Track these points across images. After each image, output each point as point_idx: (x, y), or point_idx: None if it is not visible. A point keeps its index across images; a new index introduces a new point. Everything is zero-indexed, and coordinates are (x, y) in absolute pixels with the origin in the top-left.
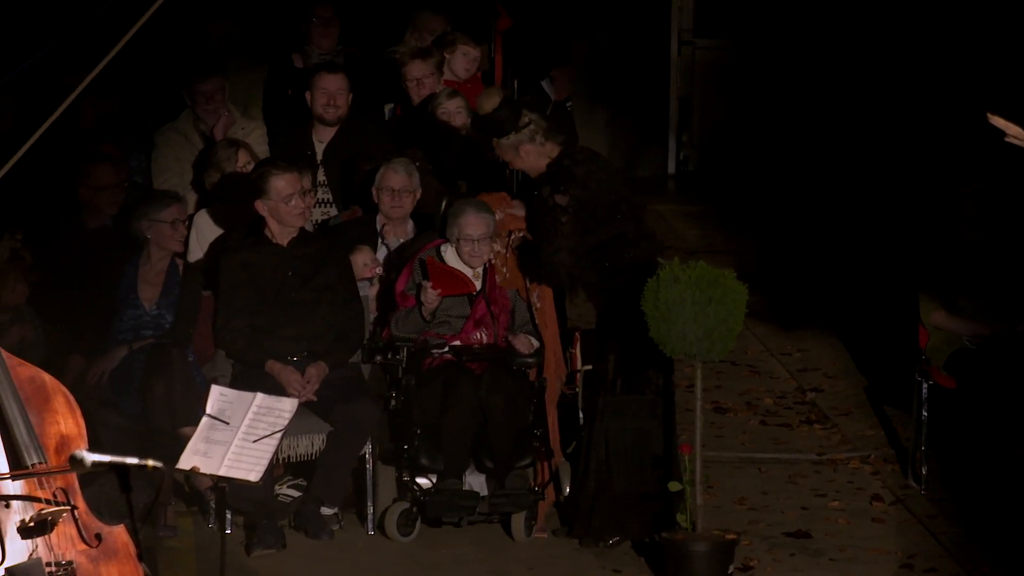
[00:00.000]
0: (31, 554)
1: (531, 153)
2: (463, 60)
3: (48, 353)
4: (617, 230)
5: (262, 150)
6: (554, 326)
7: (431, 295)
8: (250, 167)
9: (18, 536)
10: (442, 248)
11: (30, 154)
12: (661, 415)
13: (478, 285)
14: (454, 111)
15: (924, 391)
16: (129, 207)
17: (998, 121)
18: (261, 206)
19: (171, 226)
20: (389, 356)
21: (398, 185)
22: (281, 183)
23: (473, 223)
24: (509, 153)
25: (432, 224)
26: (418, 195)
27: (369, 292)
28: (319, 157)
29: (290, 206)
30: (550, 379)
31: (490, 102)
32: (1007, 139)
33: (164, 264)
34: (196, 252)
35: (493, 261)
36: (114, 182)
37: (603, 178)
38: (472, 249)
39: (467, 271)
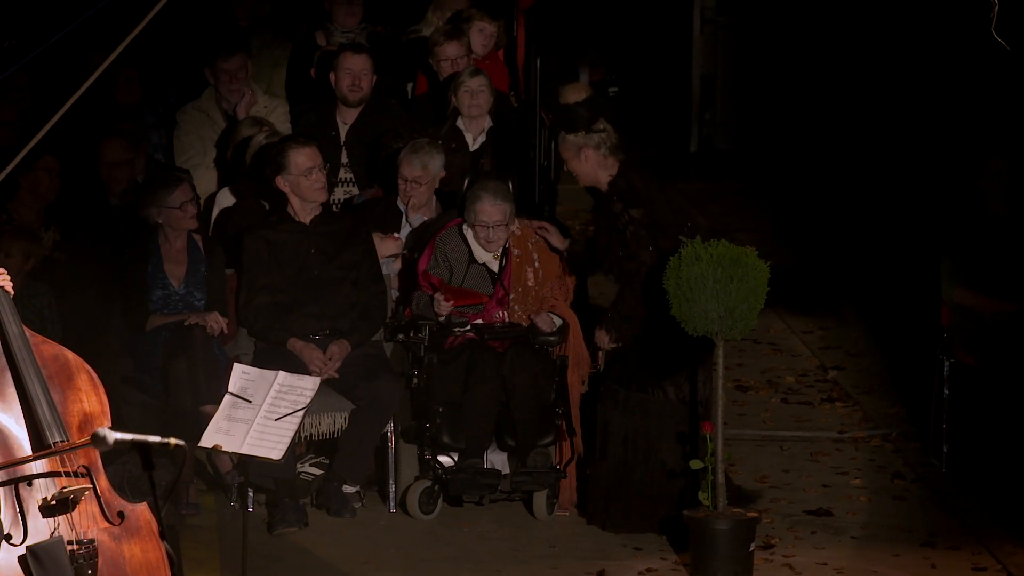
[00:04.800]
0: (53, 532)
1: (591, 160)
2: (479, 36)
3: (62, 291)
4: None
5: (284, 128)
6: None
7: (444, 306)
8: None
9: (40, 515)
10: (464, 227)
11: (61, 129)
12: (686, 414)
13: (497, 267)
14: (477, 89)
15: (946, 369)
16: (138, 190)
17: None
18: (282, 182)
19: (180, 209)
20: (411, 334)
21: (411, 175)
22: (301, 157)
23: (488, 211)
24: (571, 151)
25: (454, 202)
26: (437, 181)
27: (392, 270)
28: (342, 138)
29: (311, 179)
30: (576, 358)
31: (575, 95)
32: None
33: (182, 242)
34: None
35: (510, 245)
36: (125, 158)
37: (662, 189)
38: (487, 235)
39: (485, 255)
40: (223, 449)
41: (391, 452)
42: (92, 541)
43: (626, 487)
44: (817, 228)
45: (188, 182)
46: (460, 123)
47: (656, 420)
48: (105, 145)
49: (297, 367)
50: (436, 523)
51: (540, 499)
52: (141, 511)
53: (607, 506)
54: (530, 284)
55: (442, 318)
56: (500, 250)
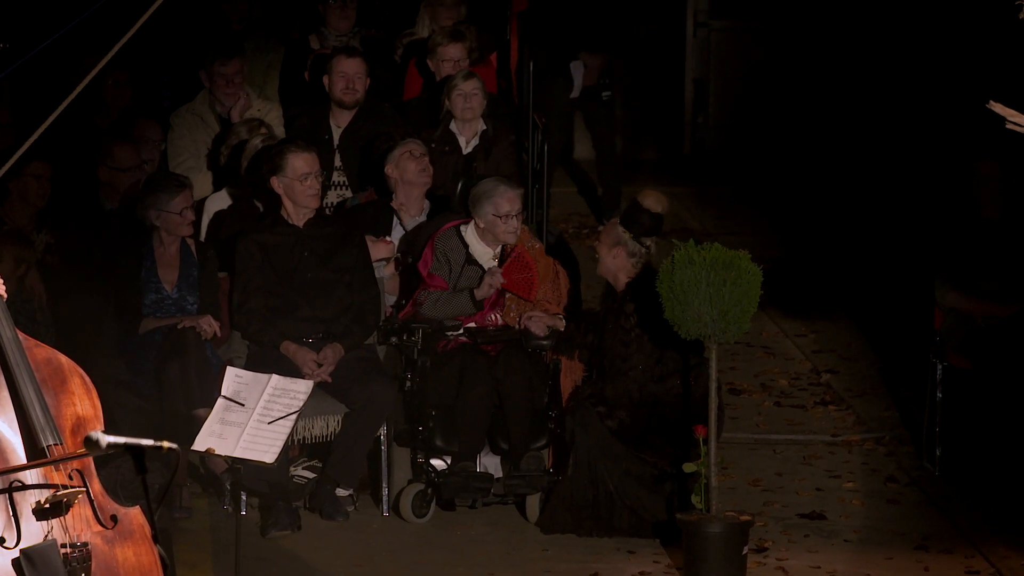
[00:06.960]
0: (46, 536)
1: (619, 259)
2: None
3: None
4: None
5: (278, 132)
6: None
7: (497, 279)
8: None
9: (33, 518)
10: (462, 228)
11: (52, 133)
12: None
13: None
14: (470, 92)
15: (939, 372)
16: (137, 193)
17: (998, 108)
18: (276, 183)
19: (179, 215)
20: (405, 338)
21: (419, 151)
22: (299, 162)
23: (510, 198)
24: (610, 240)
25: (448, 205)
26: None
27: (384, 274)
28: (336, 141)
29: (305, 185)
30: (569, 362)
31: (654, 204)
32: (1008, 126)
33: (176, 247)
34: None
35: (506, 246)
36: (135, 163)
37: None
38: (508, 226)
39: (488, 251)
40: (216, 452)
41: (384, 455)
42: (85, 544)
43: (594, 512)
44: (810, 231)
45: (189, 189)
46: (453, 126)
47: (623, 462)
48: (117, 149)
49: (290, 370)
50: (429, 526)
51: (533, 502)
52: (134, 515)
53: (579, 521)
54: None
55: (490, 285)
56: (499, 251)
